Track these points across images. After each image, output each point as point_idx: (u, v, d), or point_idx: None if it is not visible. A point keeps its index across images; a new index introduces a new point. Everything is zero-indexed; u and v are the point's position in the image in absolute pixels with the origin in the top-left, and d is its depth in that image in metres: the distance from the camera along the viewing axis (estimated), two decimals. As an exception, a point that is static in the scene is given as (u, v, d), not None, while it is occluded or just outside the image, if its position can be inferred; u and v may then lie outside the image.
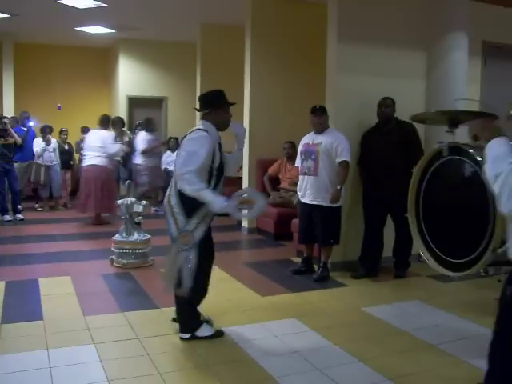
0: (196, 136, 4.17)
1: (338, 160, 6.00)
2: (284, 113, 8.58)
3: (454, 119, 3.95)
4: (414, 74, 6.88)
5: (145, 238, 6.67)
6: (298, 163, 6.39)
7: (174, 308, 4.60)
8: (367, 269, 6.36)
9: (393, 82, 6.63)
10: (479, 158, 3.46)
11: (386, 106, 6.23)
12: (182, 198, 4.12)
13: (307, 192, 6.16)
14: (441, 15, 6.81)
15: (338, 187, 5.97)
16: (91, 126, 12.08)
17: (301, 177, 6.29)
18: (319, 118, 6.12)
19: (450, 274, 3.65)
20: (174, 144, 12.08)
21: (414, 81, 6.87)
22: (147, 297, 5.48)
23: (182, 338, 4.38)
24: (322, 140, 6.07)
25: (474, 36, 6.97)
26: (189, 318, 4.43)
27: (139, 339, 4.34)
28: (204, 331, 4.41)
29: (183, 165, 4.06)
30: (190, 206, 4.11)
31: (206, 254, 4.32)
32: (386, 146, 6.11)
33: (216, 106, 4.32)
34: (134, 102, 13.42)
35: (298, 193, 6.35)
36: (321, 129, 6.13)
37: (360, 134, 6.43)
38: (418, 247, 3.80)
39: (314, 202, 6.10)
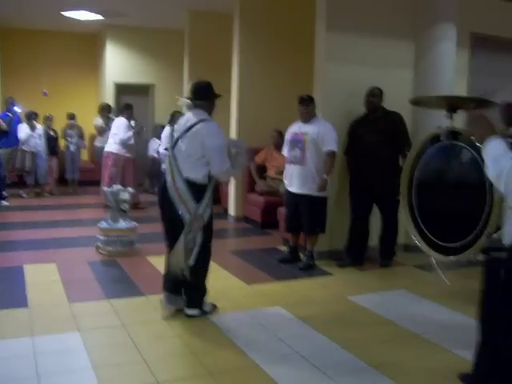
0: (215, 129, 4.49)
1: (325, 149, 6.00)
2: (272, 101, 8.55)
3: (453, 104, 3.94)
4: (402, 63, 6.88)
5: (131, 226, 6.66)
6: (284, 152, 6.39)
7: (159, 295, 4.60)
8: (353, 258, 6.38)
9: (381, 71, 6.63)
10: (478, 144, 3.47)
11: (374, 95, 6.24)
12: (192, 185, 4.37)
13: (294, 181, 6.17)
14: (429, 5, 6.81)
15: (325, 176, 5.98)
16: (78, 112, 12.04)
17: (287, 165, 6.29)
18: (306, 108, 6.11)
19: (442, 257, 3.66)
20: (160, 131, 12.04)
21: (402, 71, 6.87)
22: (133, 284, 5.47)
23: (190, 315, 4.57)
24: (309, 129, 6.06)
25: (461, 27, 6.97)
26: (201, 296, 4.68)
27: (124, 326, 4.34)
28: (207, 307, 4.71)
29: (223, 162, 4.45)
30: (200, 191, 4.41)
31: (211, 234, 4.72)
32: (373, 135, 6.12)
33: (209, 98, 4.62)
34: (121, 89, 13.31)
35: (285, 181, 6.36)
36: (308, 118, 6.13)
37: (347, 123, 6.43)
38: (410, 231, 3.80)
39: (301, 191, 6.11)
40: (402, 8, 6.84)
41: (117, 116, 10.24)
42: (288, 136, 6.33)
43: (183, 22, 11.21)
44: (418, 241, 3.73)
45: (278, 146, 7.81)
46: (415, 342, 4.26)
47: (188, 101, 4.65)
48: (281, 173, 6.98)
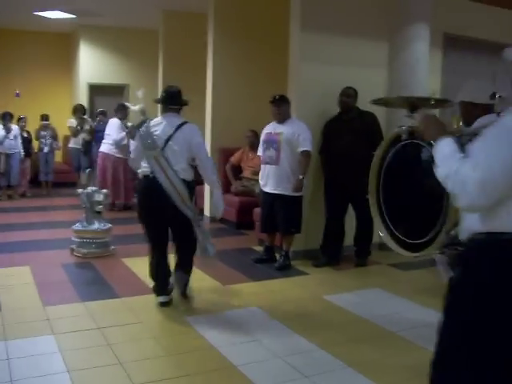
0: (197, 130, 4.98)
1: (300, 149, 6.02)
2: (247, 101, 8.54)
3: (414, 104, 4.02)
4: (376, 63, 6.93)
5: (105, 227, 6.61)
6: (260, 152, 6.40)
7: (134, 297, 4.58)
8: (328, 257, 6.41)
9: (355, 71, 6.67)
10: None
11: (348, 95, 6.27)
12: (188, 184, 4.73)
13: (269, 181, 6.18)
14: (403, 6, 6.87)
15: (300, 177, 5.99)
16: (51, 113, 11.92)
17: (262, 166, 6.29)
18: (278, 108, 6.13)
19: (407, 254, 3.72)
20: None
21: (376, 70, 6.92)
22: (108, 286, 5.43)
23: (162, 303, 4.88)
24: (284, 129, 6.08)
25: (434, 27, 7.04)
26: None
27: (100, 329, 4.31)
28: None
29: (210, 158, 5.07)
30: (191, 189, 4.80)
31: None
32: (348, 135, 6.15)
33: (181, 103, 5.10)
34: (95, 90, 13.22)
35: (260, 182, 6.36)
36: (282, 118, 6.14)
37: (322, 123, 6.46)
38: (378, 228, 3.86)
39: (276, 191, 6.12)
40: (376, 8, 6.88)
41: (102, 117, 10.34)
42: (263, 136, 6.34)
43: (158, 21, 11.17)
44: (386, 239, 3.79)
45: (254, 147, 7.81)
46: (391, 340, 4.29)
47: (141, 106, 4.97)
48: (256, 173, 6.99)
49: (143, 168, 4.78)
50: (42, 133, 11.40)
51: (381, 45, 6.95)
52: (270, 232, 6.44)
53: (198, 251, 4.92)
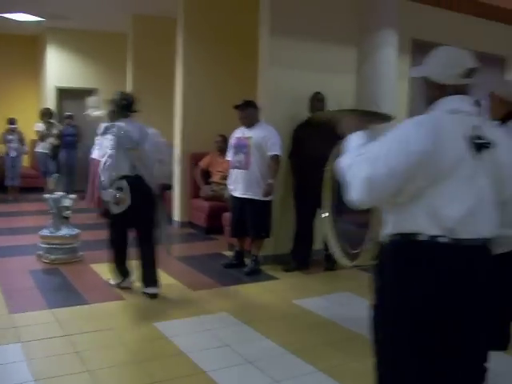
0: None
1: (269, 154, 6.03)
2: (216, 106, 8.51)
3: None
4: (345, 68, 6.98)
5: (73, 233, 6.53)
6: (229, 157, 6.40)
7: (103, 303, 4.54)
8: (298, 262, 6.42)
9: (324, 76, 6.71)
10: None
11: (318, 100, 6.31)
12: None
13: (238, 185, 6.17)
14: (371, 12, 6.94)
15: (270, 181, 6.00)
16: (18, 117, 11.74)
17: (232, 170, 6.29)
18: (242, 113, 6.15)
19: (348, 263, 3.78)
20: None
21: (345, 75, 6.97)
22: (76, 293, 5.36)
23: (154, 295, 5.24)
24: (253, 134, 6.09)
25: (403, 33, 7.12)
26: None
27: (67, 336, 4.25)
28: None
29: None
30: None
31: None
32: (317, 140, 6.16)
33: (136, 110, 5.41)
34: (63, 93, 13.05)
35: (230, 186, 6.35)
36: (248, 123, 6.15)
37: (292, 127, 6.48)
38: (330, 241, 3.90)
39: (245, 196, 6.12)
40: (345, 14, 6.94)
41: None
42: (232, 141, 6.34)
43: (127, 25, 11.10)
44: (334, 250, 3.82)
45: (223, 151, 7.79)
46: (361, 344, 4.29)
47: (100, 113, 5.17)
48: (225, 178, 6.97)
49: (122, 170, 5.08)
50: (9, 137, 11.20)
51: (350, 50, 7.01)
52: (240, 237, 6.44)
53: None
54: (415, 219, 2.15)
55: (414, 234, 2.15)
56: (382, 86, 6.87)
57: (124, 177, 5.08)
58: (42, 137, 11.05)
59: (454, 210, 2.12)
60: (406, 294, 2.20)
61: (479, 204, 2.15)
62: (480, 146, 2.15)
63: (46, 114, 11.15)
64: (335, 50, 6.89)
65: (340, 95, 6.59)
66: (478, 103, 4.25)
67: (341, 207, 4.00)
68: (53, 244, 6.37)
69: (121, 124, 5.21)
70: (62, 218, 6.48)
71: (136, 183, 5.11)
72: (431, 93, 2.35)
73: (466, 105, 2.27)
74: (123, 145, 5.10)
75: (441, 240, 2.13)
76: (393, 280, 2.26)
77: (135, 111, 5.38)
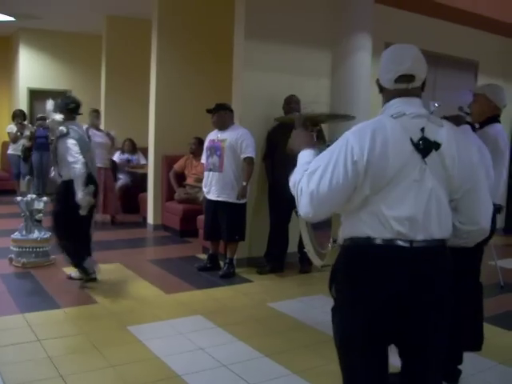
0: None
1: (243, 156, 6.04)
2: (190, 108, 8.49)
3: (315, 121, 4.10)
4: (319, 72, 7.02)
5: (46, 236, 6.44)
6: (203, 159, 6.38)
7: (76, 307, 4.49)
8: (273, 264, 6.43)
9: (299, 79, 6.74)
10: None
11: (296, 102, 6.33)
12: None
13: (212, 188, 6.16)
14: (346, 16, 6.98)
15: (244, 184, 6.00)
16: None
17: (206, 173, 6.28)
18: (214, 117, 6.17)
19: (319, 263, 3.82)
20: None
21: (320, 79, 7.01)
22: (48, 297, 5.30)
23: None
24: (227, 136, 6.08)
25: (376, 37, 7.17)
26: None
27: (40, 341, 4.20)
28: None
29: None
30: None
31: None
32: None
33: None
34: (36, 95, 12.91)
35: (204, 189, 6.34)
36: (220, 126, 6.16)
37: (266, 129, 6.49)
38: (304, 240, 3.94)
39: (220, 199, 6.11)
40: (319, 17, 6.98)
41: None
42: (206, 143, 6.33)
43: (101, 26, 11.02)
44: (307, 249, 3.86)
45: (197, 154, 7.79)
46: (335, 347, 4.32)
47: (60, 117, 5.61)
48: (200, 180, 6.96)
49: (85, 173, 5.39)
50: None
51: (324, 54, 7.05)
52: (214, 240, 6.42)
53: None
54: (367, 224, 2.16)
55: (367, 239, 2.17)
56: (357, 89, 6.92)
57: (88, 179, 5.43)
58: (15, 139, 10.92)
59: (402, 214, 2.12)
60: (359, 297, 2.24)
61: (430, 206, 2.15)
62: (427, 148, 2.15)
63: (18, 116, 11.02)
64: (310, 53, 6.92)
65: (314, 98, 6.63)
66: (461, 109, 4.32)
67: None
68: (24, 247, 6.29)
69: (74, 127, 5.55)
70: (34, 221, 6.40)
71: (90, 183, 5.46)
72: (382, 95, 2.37)
73: (412, 107, 2.22)
74: (83, 148, 5.45)
75: (394, 243, 2.14)
76: (346, 283, 2.32)
77: (80, 114, 5.81)
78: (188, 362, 3.96)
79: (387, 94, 2.31)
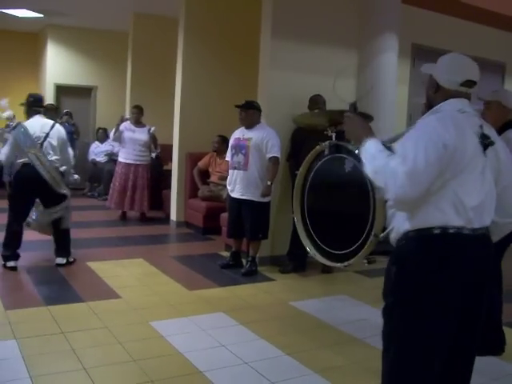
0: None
1: (269, 155, 6.03)
2: (216, 106, 8.51)
3: (333, 119, 4.09)
4: (345, 72, 6.97)
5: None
6: (228, 157, 6.39)
7: (99, 301, 4.53)
8: (295, 263, 6.42)
9: (325, 79, 6.69)
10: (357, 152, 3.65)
11: (324, 103, 6.30)
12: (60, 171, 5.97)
13: (237, 186, 6.17)
14: (373, 17, 6.95)
15: (269, 183, 6.00)
16: (16, 113, 11.69)
17: (230, 171, 6.29)
18: (243, 113, 6.17)
19: (338, 265, 3.82)
20: (102, 135, 11.91)
21: (346, 79, 6.97)
22: (72, 290, 5.34)
23: (59, 264, 6.03)
24: (253, 135, 6.09)
25: (404, 38, 7.13)
26: (69, 245, 6.16)
27: (64, 333, 4.24)
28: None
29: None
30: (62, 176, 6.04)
31: None
32: (316, 142, 6.16)
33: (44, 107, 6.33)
34: (62, 91, 13.02)
35: (228, 187, 6.35)
36: (248, 124, 6.16)
37: (291, 129, 6.48)
38: (305, 244, 3.95)
39: (244, 197, 6.12)
40: (347, 18, 6.95)
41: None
42: (231, 141, 6.34)
43: (128, 24, 11.09)
44: (313, 253, 3.87)
45: (221, 152, 7.81)
46: (357, 346, 4.32)
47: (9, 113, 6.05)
48: (223, 178, 6.98)
49: (22, 159, 5.82)
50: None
51: (350, 54, 7.02)
52: (237, 237, 6.43)
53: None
54: (441, 211, 2.28)
55: (440, 228, 2.29)
56: (383, 90, 6.88)
57: (25, 165, 5.88)
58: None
59: (472, 201, 2.29)
60: (437, 285, 2.32)
61: (487, 197, 2.35)
62: (487, 143, 2.36)
63: (51, 110, 10.98)
64: (336, 53, 6.90)
65: (340, 99, 6.59)
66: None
67: (314, 212, 4.08)
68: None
69: (25, 123, 5.95)
70: None
71: (32, 172, 5.82)
72: (432, 92, 2.53)
73: (468, 108, 2.44)
74: (23, 144, 5.82)
75: (463, 231, 2.29)
76: (423, 274, 2.34)
77: (40, 108, 6.12)
78: (210, 359, 3.97)
79: (444, 94, 2.47)
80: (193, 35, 8.55)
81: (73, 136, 10.95)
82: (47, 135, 5.89)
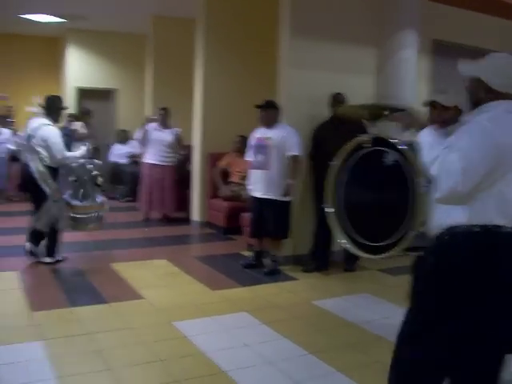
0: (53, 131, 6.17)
1: (289, 154, 6.03)
2: (237, 106, 8.51)
3: (374, 113, 4.10)
4: (365, 69, 6.96)
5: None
6: (248, 157, 6.40)
7: (123, 302, 4.56)
8: (318, 262, 6.41)
9: (344, 77, 6.69)
10: (401, 147, 3.68)
11: (339, 100, 6.28)
12: (50, 169, 6.00)
13: (258, 186, 6.17)
14: (393, 13, 6.91)
15: (290, 182, 5.99)
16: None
17: (251, 171, 6.29)
18: (263, 113, 6.17)
19: (372, 257, 3.81)
20: (123, 136, 11.97)
21: (365, 76, 6.94)
22: (96, 292, 5.37)
23: (46, 262, 6.12)
24: (273, 134, 6.08)
25: (424, 34, 7.08)
26: (55, 244, 6.21)
27: (89, 334, 4.27)
28: (58, 255, 6.26)
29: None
30: (55, 172, 6.09)
31: None
32: (337, 140, 6.10)
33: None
34: (83, 94, 13.12)
35: (249, 187, 6.35)
36: (268, 123, 6.16)
37: (311, 128, 6.46)
38: (337, 236, 3.94)
39: (265, 196, 6.12)
40: (365, 15, 6.92)
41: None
42: (252, 141, 6.34)
43: (147, 26, 11.16)
44: (346, 246, 3.85)
45: (242, 152, 7.81)
46: (381, 345, 4.28)
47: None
48: (244, 178, 6.98)
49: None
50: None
51: (370, 51, 6.98)
52: (259, 237, 6.43)
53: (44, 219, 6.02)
54: (486, 209, 2.39)
55: (483, 225, 2.39)
56: (403, 88, 6.84)
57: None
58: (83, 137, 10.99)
59: None
60: (484, 277, 2.41)
61: None
62: None
63: (86, 113, 10.89)
64: (355, 50, 6.87)
65: (360, 96, 6.57)
66: None
67: (349, 203, 4.06)
68: (88, 213, 6.08)
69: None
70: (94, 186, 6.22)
71: (26, 169, 6.10)
72: (481, 94, 2.58)
73: None
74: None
75: (506, 230, 2.40)
76: (467, 267, 2.44)
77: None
78: (233, 358, 3.97)
79: (495, 96, 2.52)
80: (212, 36, 8.56)
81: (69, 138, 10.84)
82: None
